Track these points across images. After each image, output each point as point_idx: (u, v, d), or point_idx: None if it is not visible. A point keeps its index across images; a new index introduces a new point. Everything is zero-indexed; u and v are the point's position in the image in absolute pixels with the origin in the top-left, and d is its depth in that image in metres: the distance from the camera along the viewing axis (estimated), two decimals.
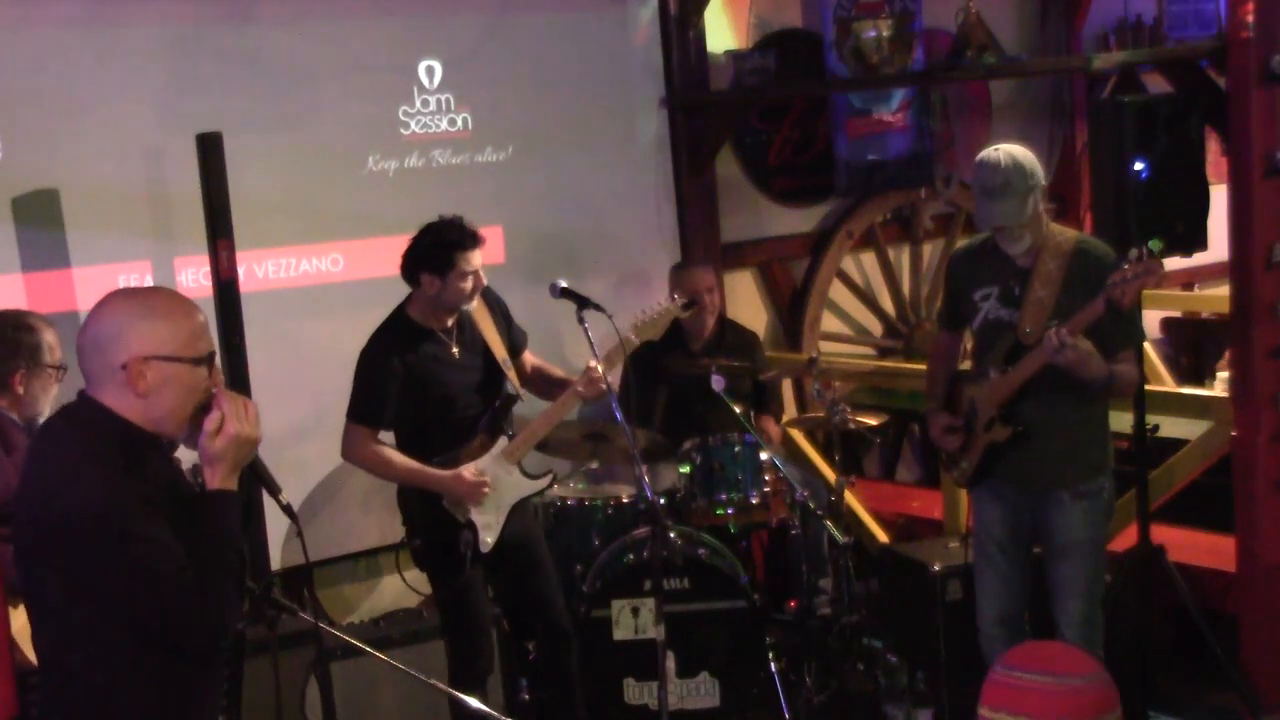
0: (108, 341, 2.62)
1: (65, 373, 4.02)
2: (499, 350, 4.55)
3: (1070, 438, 4.20)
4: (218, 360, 2.77)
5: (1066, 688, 2.04)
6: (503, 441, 4.58)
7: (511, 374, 4.55)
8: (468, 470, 4.48)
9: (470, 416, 4.56)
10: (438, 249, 4.41)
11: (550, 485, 4.76)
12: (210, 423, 2.66)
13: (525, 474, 4.63)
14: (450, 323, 4.52)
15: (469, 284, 4.42)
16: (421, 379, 4.45)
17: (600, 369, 4.47)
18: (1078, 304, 4.01)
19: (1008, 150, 4.12)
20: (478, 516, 4.52)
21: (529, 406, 4.85)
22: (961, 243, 4.64)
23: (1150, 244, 3.96)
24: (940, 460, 4.57)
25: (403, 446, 4.56)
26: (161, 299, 2.74)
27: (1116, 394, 4.26)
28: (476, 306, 4.54)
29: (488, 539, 4.53)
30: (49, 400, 4.00)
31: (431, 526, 4.55)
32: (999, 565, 4.37)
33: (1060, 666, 2.07)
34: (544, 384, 4.78)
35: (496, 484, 4.54)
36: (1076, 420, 4.21)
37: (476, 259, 4.42)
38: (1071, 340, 3.93)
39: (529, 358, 4.79)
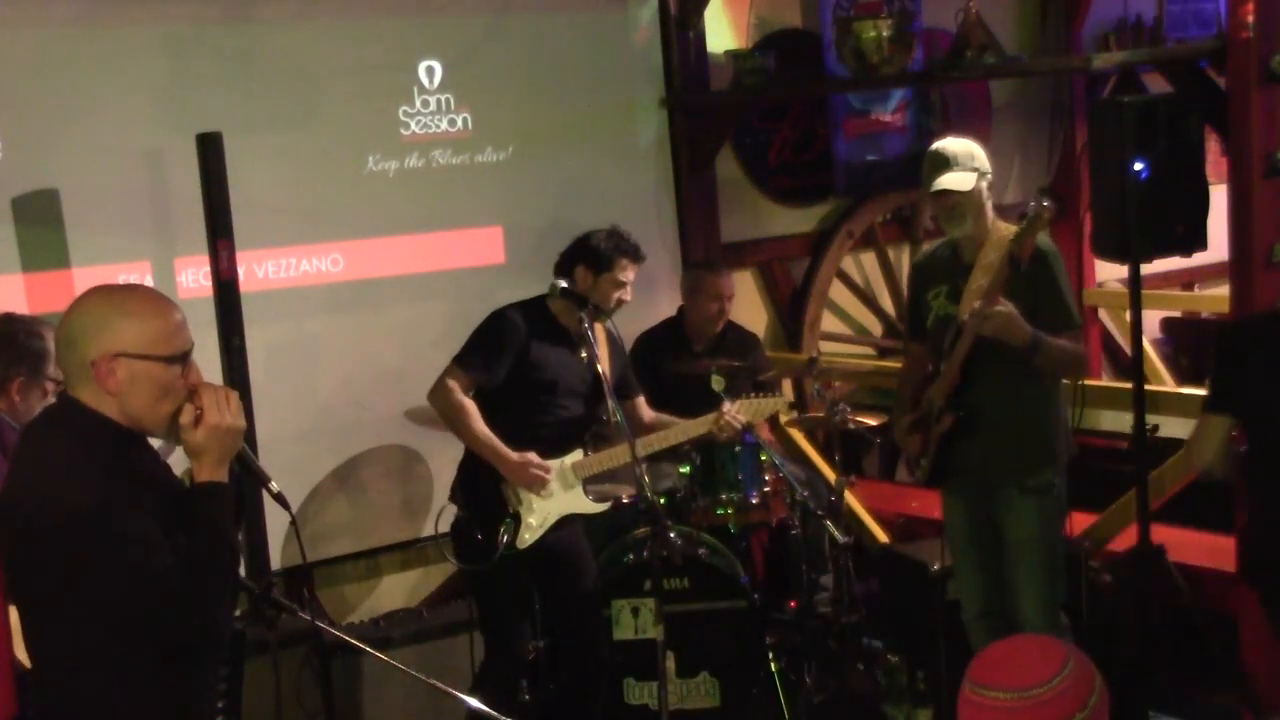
0: (79, 338, 2.61)
1: (56, 387, 3.88)
2: (607, 375, 4.59)
3: (1014, 427, 4.25)
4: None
5: (1030, 701, 2.00)
6: (577, 454, 4.65)
7: (611, 401, 4.58)
8: (534, 457, 4.52)
9: (564, 418, 4.62)
10: (604, 250, 4.57)
11: (602, 512, 4.79)
12: (185, 416, 2.64)
13: (585, 493, 4.70)
14: (581, 329, 4.57)
15: (616, 293, 4.57)
16: (539, 360, 4.54)
17: (736, 416, 4.75)
18: (1018, 291, 4.07)
19: (954, 138, 4.34)
20: (525, 513, 4.55)
21: None
22: (920, 252, 4.71)
23: (1041, 192, 4.07)
24: (905, 464, 4.66)
25: (488, 419, 4.57)
26: (135, 297, 2.72)
27: (1054, 368, 4.26)
28: (600, 336, 4.62)
29: (526, 537, 4.56)
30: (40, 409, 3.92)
31: (481, 503, 4.58)
32: (972, 558, 4.44)
33: (1023, 677, 2.02)
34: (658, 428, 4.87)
35: (553, 490, 4.59)
36: (1019, 410, 4.26)
37: (632, 274, 4.59)
38: (989, 309, 4.02)
39: (645, 410, 4.92)
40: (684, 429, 4.79)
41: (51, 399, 3.83)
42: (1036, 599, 4.28)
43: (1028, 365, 4.14)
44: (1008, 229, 4.30)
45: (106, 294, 2.72)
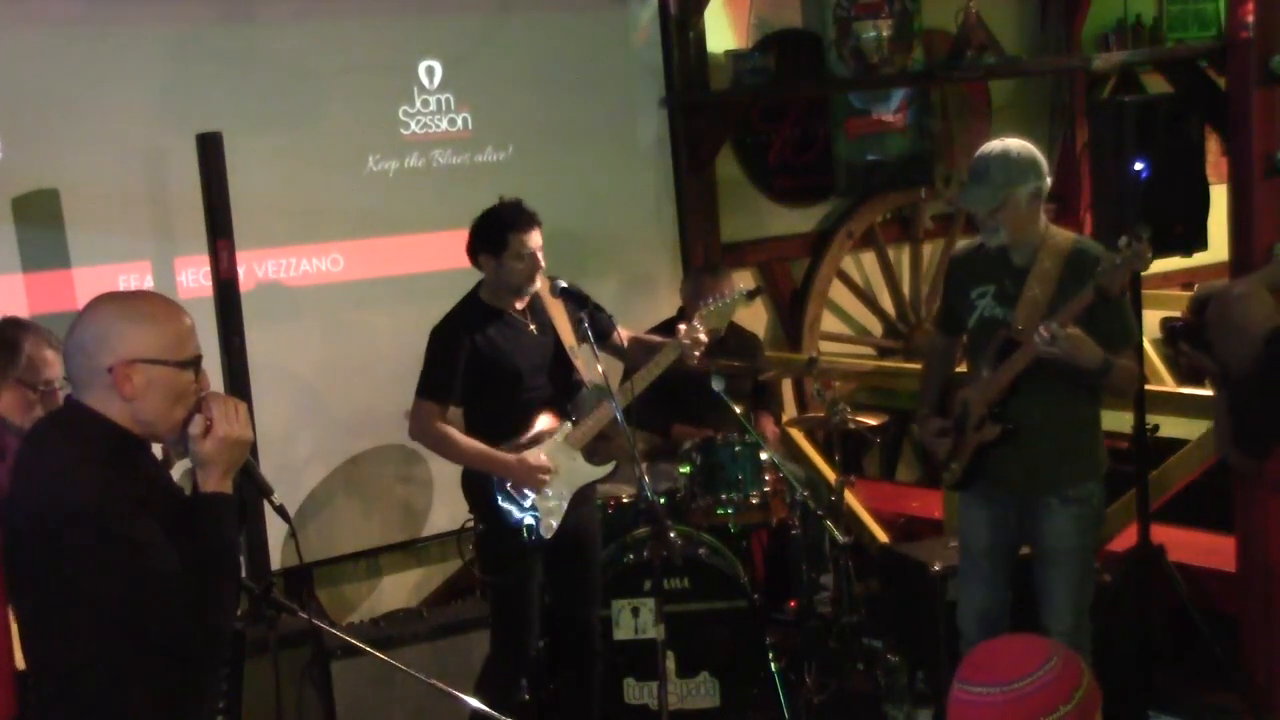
0: (94, 345, 2.61)
1: (48, 396, 3.64)
2: (567, 338, 4.56)
3: (1060, 439, 4.16)
4: (213, 364, 2.76)
5: (1013, 694, 2.02)
6: (566, 427, 4.59)
7: (579, 362, 4.55)
8: (531, 454, 4.49)
9: (541, 398, 4.56)
10: (492, 230, 4.46)
11: (612, 472, 4.74)
12: (195, 426, 2.66)
13: (588, 460, 4.63)
14: (521, 305, 4.54)
15: (524, 265, 4.45)
16: (492, 355, 4.47)
17: (696, 329, 4.58)
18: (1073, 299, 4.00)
19: (1004, 142, 4.15)
20: (541, 502, 4.51)
21: None
22: (961, 244, 4.63)
23: (1137, 228, 3.96)
24: (933, 463, 4.55)
25: (470, 428, 4.56)
26: (148, 302, 2.73)
27: (1116, 389, 4.19)
28: (547, 297, 4.56)
29: (551, 523, 4.52)
30: (25, 418, 3.64)
31: (495, 511, 4.54)
32: (983, 570, 4.34)
33: (1007, 673, 2.04)
34: (645, 353, 4.73)
35: (559, 469, 4.53)
36: (1067, 421, 4.17)
37: (533, 240, 4.45)
38: (1062, 331, 3.91)
39: (624, 334, 4.77)
40: (657, 362, 4.62)
41: (36, 406, 3.74)
42: (1072, 605, 4.20)
43: (1079, 378, 4.05)
44: (1063, 235, 4.21)
45: (118, 301, 2.74)
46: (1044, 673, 2.02)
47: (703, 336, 4.60)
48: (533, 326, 4.54)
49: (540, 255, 4.47)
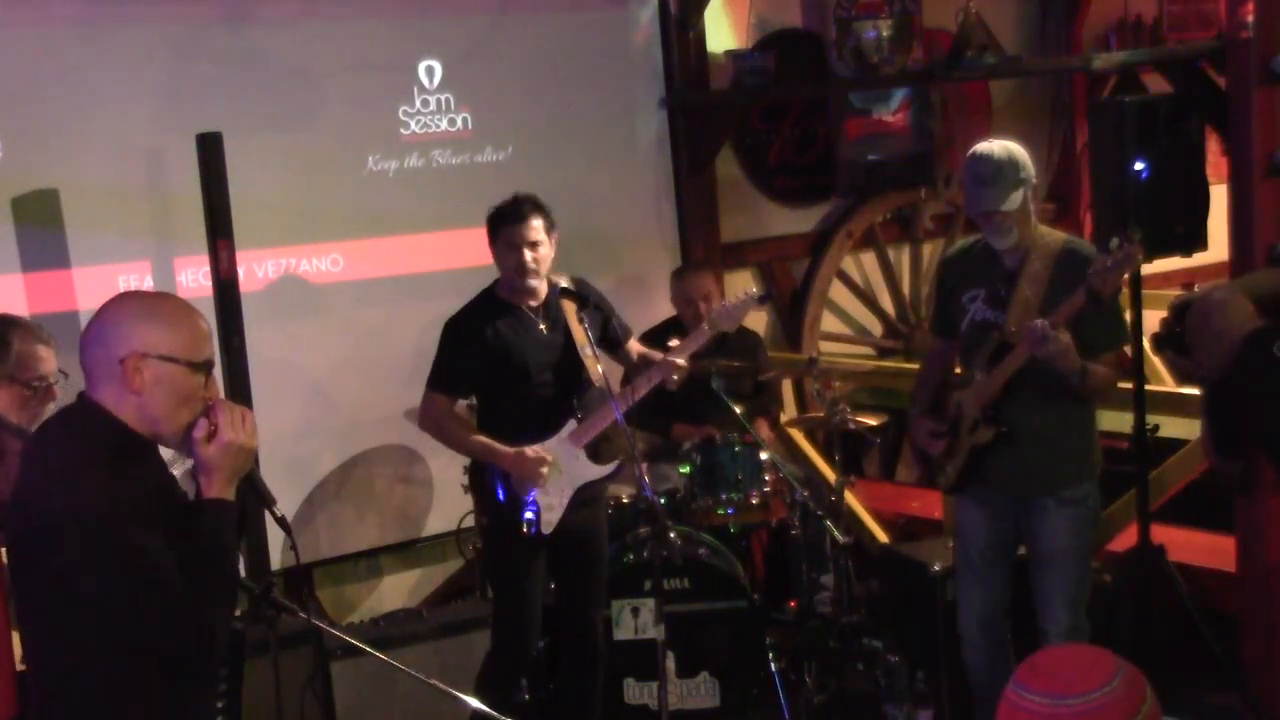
0: (110, 336, 2.64)
1: (43, 392, 3.66)
2: (579, 337, 4.57)
3: (1055, 441, 4.16)
4: (218, 372, 2.76)
5: (1063, 709, 1.98)
6: (571, 424, 4.60)
7: (589, 362, 4.55)
8: (530, 448, 4.50)
9: (545, 396, 4.57)
10: (489, 222, 4.55)
11: (616, 472, 4.74)
12: (200, 430, 2.66)
13: (592, 459, 4.63)
14: (536, 302, 4.56)
15: (513, 256, 4.48)
16: (502, 349, 4.50)
17: (676, 359, 4.62)
18: (1067, 296, 3.99)
19: (1002, 143, 4.14)
20: (542, 497, 4.52)
21: None
22: (952, 247, 4.62)
23: (1129, 230, 3.95)
24: (929, 465, 4.54)
25: (482, 423, 4.61)
26: (167, 303, 2.76)
27: (1093, 394, 4.18)
28: (566, 306, 4.59)
29: (550, 518, 4.53)
30: (22, 415, 3.63)
31: (498, 505, 4.57)
32: (980, 572, 4.33)
33: (1063, 685, 2.00)
34: (644, 368, 4.78)
35: (560, 466, 4.54)
36: (1061, 423, 4.17)
37: (522, 232, 4.46)
38: (1053, 332, 3.91)
39: (635, 347, 4.86)
40: (648, 378, 4.66)
41: (34, 402, 3.71)
42: (1069, 605, 4.20)
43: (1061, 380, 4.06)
44: (1054, 236, 4.21)
45: (139, 298, 2.80)
46: (1101, 694, 1.94)
47: (682, 361, 4.65)
48: (543, 325, 4.56)
49: (533, 250, 4.48)
